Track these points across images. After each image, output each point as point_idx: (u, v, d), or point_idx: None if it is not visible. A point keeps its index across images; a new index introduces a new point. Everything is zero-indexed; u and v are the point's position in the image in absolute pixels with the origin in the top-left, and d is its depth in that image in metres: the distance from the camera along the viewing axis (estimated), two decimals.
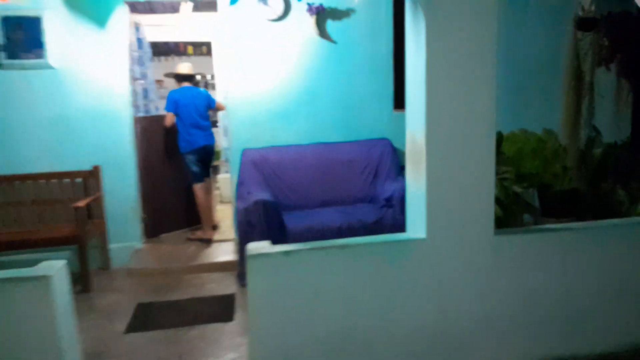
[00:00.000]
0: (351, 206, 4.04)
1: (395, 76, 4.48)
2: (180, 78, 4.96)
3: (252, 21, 4.25)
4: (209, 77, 10.77)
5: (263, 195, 3.71)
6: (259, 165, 4.10)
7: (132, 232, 4.40)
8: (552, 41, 4.47)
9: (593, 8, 4.26)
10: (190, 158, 4.66)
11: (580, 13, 4.26)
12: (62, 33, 4.08)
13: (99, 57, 4.19)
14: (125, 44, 4.27)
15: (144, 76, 6.39)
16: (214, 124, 9.19)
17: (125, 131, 4.29)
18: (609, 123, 4.67)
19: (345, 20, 4.37)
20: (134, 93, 6.43)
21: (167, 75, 5.26)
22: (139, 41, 6.37)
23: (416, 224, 2.47)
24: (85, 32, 4.13)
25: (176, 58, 9.71)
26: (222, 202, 6.25)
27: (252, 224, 3.50)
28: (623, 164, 4.34)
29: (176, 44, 8.55)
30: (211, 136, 4.83)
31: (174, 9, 7.04)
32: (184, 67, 5.01)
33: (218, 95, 7.05)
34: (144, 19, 6.42)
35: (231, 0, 3.79)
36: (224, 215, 5.51)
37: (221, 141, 6.63)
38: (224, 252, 4.29)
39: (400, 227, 3.63)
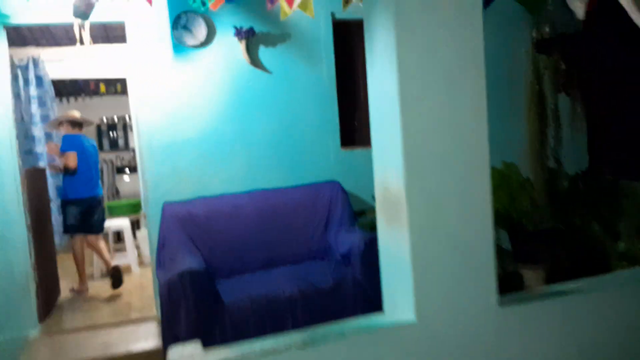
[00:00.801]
0: (301, 265, 3.34)
1: (340, 108, 3.91)
2: (75, 124, 4.58)
3: (168, 52, 3.56)
4: (127, 118, 9.87)
5: (190, 262, 2.94)
6: (184, 222, 3.33)
7: (23, 316, 3.44)
8: (511, 64, 4.11)
9: (547, 29, 3.95)
10: (72, 208, 4.36)
11: (535, 35, 3.94)
12: None
13: None
14: (5, 79, 3.41)
15: (45, 118, 5.48)
16: (133, 169, 8.31)
17: (12, 188, 3.39)
18: (568, 152, 4.35)
19: (280, 47, 3.77)
20: (33, 138, 5.49)
21: (59, 120, 4.57)
22: (38, 79, 5.47)
23: (398, 301, 1.82)
24: None
25: (87, 98, 8.76)
26: (142, 264, 5.34)
27: (177, 302, 2.72)
28: (589, 196, 4.00)
29: (86, 81, 7.62)
30: (99, 187, 4.68)
31: (73, 40, 6.20)
32: (77, 112, 4.70)
33: (136, 139, 6.22)
34: (45, 53, 5.54)
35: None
36: (144, 282, 4.62)
37: (141, 191, 5.77)
38: (145, 335, 3.41)
39: (362, 291, 2.99)
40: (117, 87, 7.97)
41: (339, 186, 3.69)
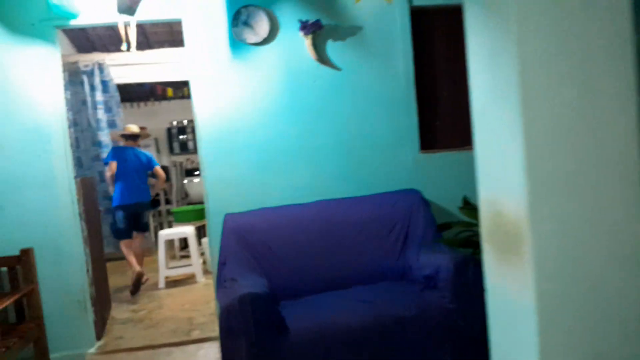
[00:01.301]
0: (376, 287, 2.92)
1: (419, 107, 3.45)
2: (128, 137, 4.97)
3: (227, 51, 3.27)
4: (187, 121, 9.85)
5: (251, 283, 2.61)
6: (246, 237, 3.01)
7: (80, 334, 3.27)
8: None
9: None
10: (119, 214, 4.82)
11: None
12: None
13: (25, 101, 3.17)
14: (58, 83, 3.24)
15: (112, 124, 5.41)
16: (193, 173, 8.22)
17: (66, 198, 3.23)
18: None
19: (350, 41, 3.37)
20: (100, 144, 5.45)
21: (117, 134, 5.17)
22: (104, 84, 5.41)
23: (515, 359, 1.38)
24: (7, 64, 3.13)
25: (156, 103, 8.79)
26: (207, 272, 5.13)
27: (237, 330, 2.39)
28: None
29: (153, 86, 7.59)
30: (144, 193, 5.01)
31: (141, 44, 6.12)
32: (134, 127, 5.05)
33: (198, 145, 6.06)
34: (110, 58, 5.48)
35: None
36: (207, 295, 4.39)
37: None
38: (205, 358, 3.13)
39: (453, 322, 2.53)
40: (184, 90, 7.91)
41: (419, 195, 3.24)
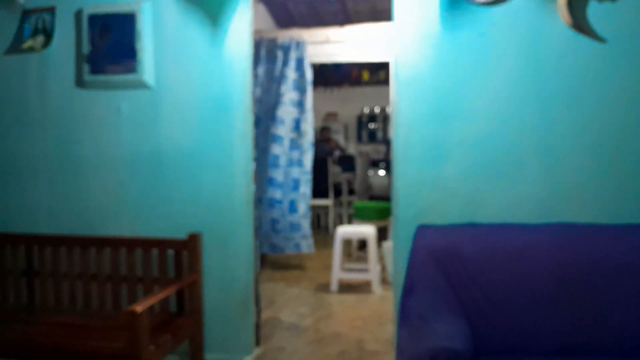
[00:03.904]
0: None
1: None
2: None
3: (439, 24, 2.51)
4: (388, 109, 9.29)
5: (447, 330, 1.86)
6: (445, 260, 2.23)
7: (238, 337, 2.88)
8: None
9: None
10: None
11: None
12: (162, 36, 2.85)
13: (210, 74, 2.83)
14: (246, 57, 2.84)
15: (298, 104, 5.05)
16: (389, 164, 7.63)
17: (241, 181, 2.84)
18: None
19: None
20: (278, 121, 5.07)
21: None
22: (299, 61, 5.07)
23: None
24: (197, 36, 2.83)
25: (349, 89, 8.40)
26: (385, 282, 4.48)
27: None
28: None
29: (349, 69, 7.15)
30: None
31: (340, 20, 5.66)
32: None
33: (394, 135, 5.39)
34: (308, 34, 5.12)
35: None
36: (383, 311, 3.73)
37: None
38: None
39: None
40: (380, 75, 7.36)
41: None
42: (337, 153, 7.88)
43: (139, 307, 2.23)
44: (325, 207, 7.00)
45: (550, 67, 2.41)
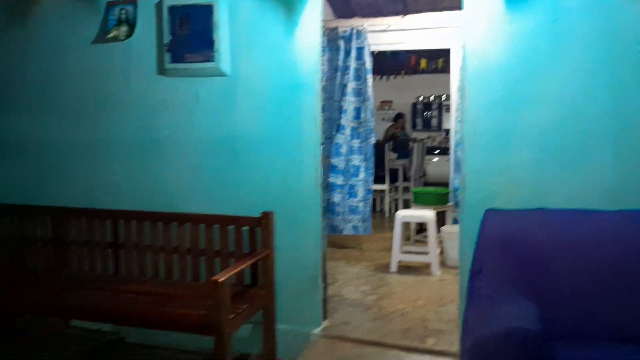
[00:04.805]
0: None
1: None
2: None
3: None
4: (443, 97, 9.24)
5: (518, 311, 1.92)
6: (513, 244, 2.28)
7: (307, 310, 3.05)
8: None
9: None
10: None
11: None
12: (238, 26, 3.00)
13: (282, 62, 2.97)
14: (316, 46, 2.95)
15: (358, 93, 5.14)
16: (443, 151, 7.62)
17: (310, 164, 2.98)
18: None
19: None
20: (339, 110, 5.20)
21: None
22: (359, 50, 5.15)
23: None
24: (270, 26, 2.97)
25: (406, 76, 8.41)
26: (443, 265, 4.54)
27: None
28: None
29: (407, 57, 7.16)
30: None
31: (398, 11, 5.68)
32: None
33: (452, 122, 5.42)
34: (368, 23, 5.19)
35: None
36: (444, 293, 3.80)
37: (452, 178, 4.97)
38: None
39: None
40: (438, 63, 7.33)
41: None
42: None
43: (221, 277, 2.42)
44: (382, 192, 7.11)
45: (626, 53, 2.39)
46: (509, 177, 2.55)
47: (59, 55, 3.36)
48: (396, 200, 7.27)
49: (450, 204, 5.09)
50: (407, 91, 9.22)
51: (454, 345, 2.82)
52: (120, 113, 3.26)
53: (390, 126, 8.40)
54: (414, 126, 9.70)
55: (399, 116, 8.45)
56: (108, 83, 3.28)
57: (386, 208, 7.11)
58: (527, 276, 2.22)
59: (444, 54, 5.86)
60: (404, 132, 8.36)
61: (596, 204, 2.39)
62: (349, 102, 5.01)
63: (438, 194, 5.15)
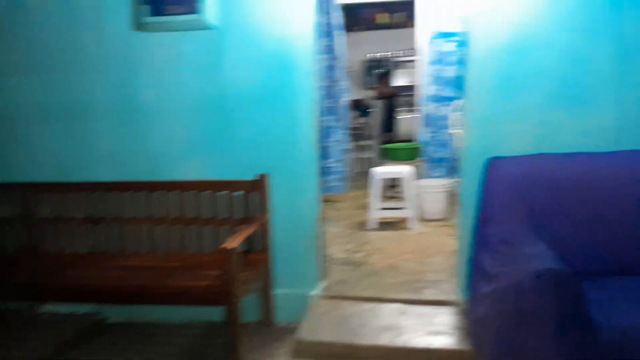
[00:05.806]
0: None
1: None
2: None
3: None
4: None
5: (540, 252, 1.96)
6: (523, 189, 2.31)
7: (305, 272, 3.00)
8: None
9: None
10: None
11: None
12: None
13: (273, 14, 2.80)
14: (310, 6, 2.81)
15: (328, 50, 4.99)
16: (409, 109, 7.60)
17: (306, 123, 2.87)
18: None
19: None
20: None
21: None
22: (324, 3, 4.98)
23: None
24: None
25: (365, 33, 8.25)
26: (422, 219, 4.61)
27: (527, 318, 1.79)
28: None
29: (367, 10, 7.01)
30: None
31: None
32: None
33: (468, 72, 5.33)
34: None
35: None
36: (429, 247, 3.86)
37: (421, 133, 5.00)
38: (442, 326, 2.62)
39: None
40: (394, 17, 7.24)
41: None
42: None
43: (232, 244, 2.32)
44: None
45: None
46: (512, 122, 2.55)
47: (22, 5, 2.99)
48: (361, 158, 7.32)
49: (420, 159, 5.14)
50: (360, 47, 9.06)
51: (453, 294, 2.88)
52: (94, 73, 2.96)
53: (381, 84, 8.09)
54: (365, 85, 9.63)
55: (386, 74, 8.21)
56: (79, 39, 2.95)
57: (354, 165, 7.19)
58: (540, 218, 2.26)
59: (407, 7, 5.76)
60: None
61: (595, 146, 2.44)
62: (320, 60, 4.87)
63: (410, 149, 5.18)
